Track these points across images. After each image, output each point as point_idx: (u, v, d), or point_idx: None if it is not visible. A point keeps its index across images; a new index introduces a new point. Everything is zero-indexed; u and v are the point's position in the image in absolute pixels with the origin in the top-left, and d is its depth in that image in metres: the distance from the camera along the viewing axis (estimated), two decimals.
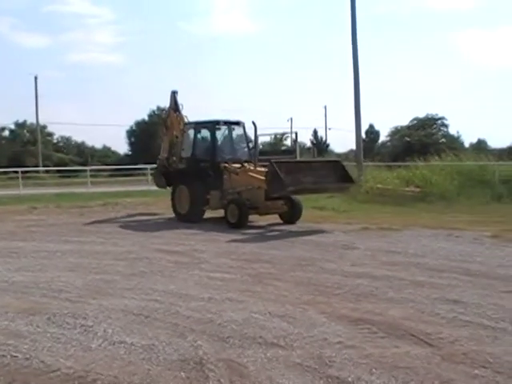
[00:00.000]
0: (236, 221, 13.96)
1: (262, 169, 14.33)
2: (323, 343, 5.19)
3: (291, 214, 14.78)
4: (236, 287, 7.55)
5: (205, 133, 16.33)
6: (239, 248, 10.93)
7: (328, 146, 67.98)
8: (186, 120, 17.11)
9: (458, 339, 5.21)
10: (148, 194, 24.40)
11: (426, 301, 6.63)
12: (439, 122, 59.29)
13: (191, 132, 16.42)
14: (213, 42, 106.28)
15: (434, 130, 59.31)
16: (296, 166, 14.42)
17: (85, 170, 34.10)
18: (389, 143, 60.86)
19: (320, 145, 64.96)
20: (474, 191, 18.87)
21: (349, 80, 25.54)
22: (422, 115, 59.44)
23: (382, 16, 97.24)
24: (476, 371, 4.47)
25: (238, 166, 15.20)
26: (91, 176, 32.77)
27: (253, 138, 16.03)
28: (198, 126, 16.40)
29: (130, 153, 66.01)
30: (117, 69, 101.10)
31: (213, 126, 15.95)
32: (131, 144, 66.67)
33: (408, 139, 55.12)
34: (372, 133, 67.63)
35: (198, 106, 64.81)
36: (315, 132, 69.97)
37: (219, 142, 16.17)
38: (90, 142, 71.35)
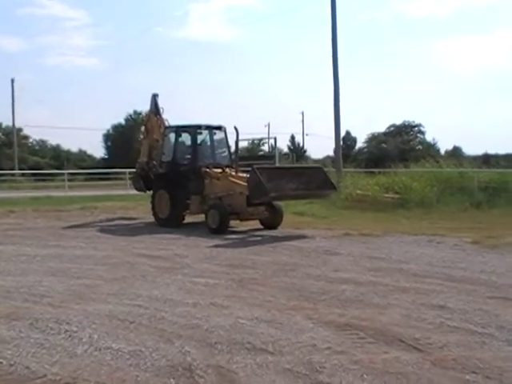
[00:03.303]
0: (217, 226, 13.87)
1: (243, 174, 14.29)
2: (312, 349, 5.15)
3: (272, 220, 14.73)
4: (220, 292, 7.48)
5: (186, 137, 16.25)
6: (221, 253, 10.86)
7: (305, 151, 68.10)
8: (166, 124, 17.00)
9: (446, 345, 5.21)
10: (127, 198, 24.17)
11: (411, 306, 6.63)
12: (416, 128, 60.06)
13: (172, 136, 16.31)
14: (190, 47, 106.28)
15: (411, 137, 59.98)
16: (278, 172, 14.41)
17: (61, 174, 33.68)
18: (366, 149, 61.21)
19: (297, 151, 65.06)
20: (453, 198, 19.00)
21: (326, 86, 25.81)
22: (399, 122, 60.16)
23: (361, 22, 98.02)
24: (467, 377, 4.46)
25: (219, 170, 15.14)
26: (68, 180, 32.41)
27: (233, 143, 15.99)
28: (179, 129, 16.27)
29: (106, 157, 65.74)
30: (93, 72, 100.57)
31: (194, 130, 15.84)
32: (107, 148, 66.44)
33: (385, 146, 55.61)
34: (349, 139, 67.90)
35: (176, 110, 64.74)
36: (293, 138, 70.15)
37: (200, 147, 16.09)
38: (65, 146, 70.87)
